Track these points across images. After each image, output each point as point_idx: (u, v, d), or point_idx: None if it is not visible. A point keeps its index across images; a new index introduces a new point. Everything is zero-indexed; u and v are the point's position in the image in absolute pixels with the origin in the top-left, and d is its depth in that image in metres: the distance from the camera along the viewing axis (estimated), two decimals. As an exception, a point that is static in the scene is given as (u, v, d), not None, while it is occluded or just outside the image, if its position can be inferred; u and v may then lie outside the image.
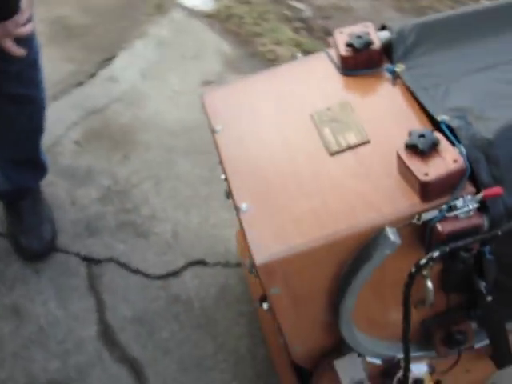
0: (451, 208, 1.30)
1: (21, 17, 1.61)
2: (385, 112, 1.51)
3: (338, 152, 1.43)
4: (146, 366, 1.95)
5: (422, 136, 1.32)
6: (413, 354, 1.59)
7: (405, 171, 1.33)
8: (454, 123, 1.37)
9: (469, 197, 1.30)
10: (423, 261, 1.31)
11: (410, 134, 1.33)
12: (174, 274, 2.14)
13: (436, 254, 1.30)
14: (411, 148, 1.31)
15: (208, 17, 3.29)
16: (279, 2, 3.53)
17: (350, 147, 1.43)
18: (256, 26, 3.26)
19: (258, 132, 1.55)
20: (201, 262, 2.18)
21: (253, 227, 1.34)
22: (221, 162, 1.54)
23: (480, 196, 1.30)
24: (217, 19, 3.28)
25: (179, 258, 2.18)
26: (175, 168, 2.47)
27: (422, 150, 1.30)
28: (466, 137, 1.34)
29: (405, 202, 1.31)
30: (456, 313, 1.55)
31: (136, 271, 2.13)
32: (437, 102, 1.45)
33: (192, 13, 3.30)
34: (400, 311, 1.50)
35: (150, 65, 2.94)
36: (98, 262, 2.15)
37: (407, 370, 1.49)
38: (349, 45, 1.57)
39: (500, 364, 1.65)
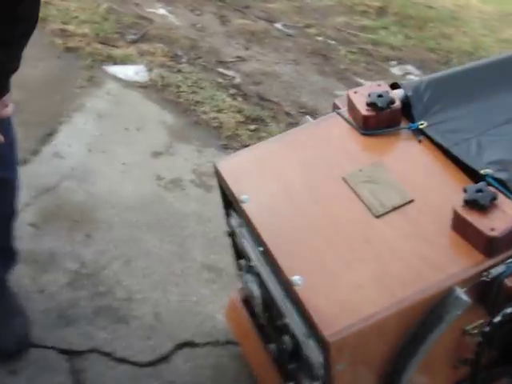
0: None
1: (8, 97, 1.49)
2: (419, 169, 1.49)
3: (383, 214, 1.39)
4: None
5: (479, 191, 1.30)
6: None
7: (464, 228, 1.30)
8: (503, 176, 1.37)
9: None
10: (498, 318, 1.29)
11: (465, 189, 1.31)
12: (164, 358, 1.97)
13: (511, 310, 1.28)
14: (470, 204, 1.29)
15: (144, 87, 3.20)
16: (209, 70, 3.51)
17: (395, 208, 1.39)
18: (194, 94, 3.21)
19: (290, 199, 1.47)
20: (189, 344, 2.03)
21: (313, 301, 1.25)
22: (255, 233, 1.45)
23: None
24: (153, 89, 3.19)
25: (166, 341, 2.02)
26: (143, 245, 2.32)
27: (483, 204, 1.28)
28: None
29: (469, 260, 1.28)
30: (493, 370, 1.53)
31: (122, 360, 1.94)
32: (473, 157, 1.45)
33: (127, 84, 3.20)
34: (440, 372, 1.46)
35: (93, 138, 2.79)
36: (79, 353, 1.93)
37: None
38: (370, 104, 1.55)
39: None
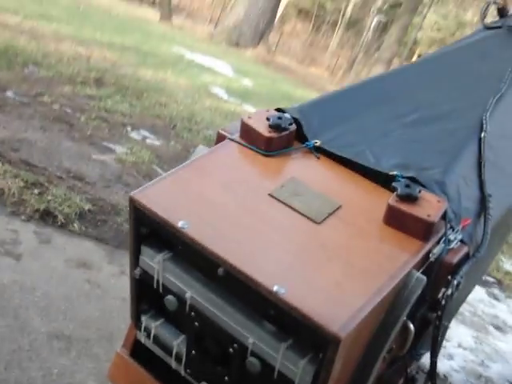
0: (448, 242, 1.46)
1: None
2: (331, 181, 1.60)
3: (323, 220, 1.45)
4: None
5: (407, 186, 1.46)
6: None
7: (401, 219, 1.43)
8: (410, 174, 1.53)
9: (454, 229, 1.49)
10: (449, 291, 1.44)
11: (395, 187, 1.45)
12: None
13: (456, 281, 1.45)
14: (404, 197, 1.44)
15: None
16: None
17: (330, 214, 1.47)
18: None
19: (229, 219, 1.43)
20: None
21: (305, 303, 1.25)
22: (209, 256, 1.35)
23: (460, 227, 1.50)
24: None
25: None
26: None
27: (415, 196, 1.44)
28: (429, 182, 1.53)
29: (414, 246, 1.42)
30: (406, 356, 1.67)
31: None
32: (375, 164, 1.60)
33: None
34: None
35: None
36: None
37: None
38: (273, 126, 1.59)
39: None
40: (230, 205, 1.46)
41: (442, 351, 2.88)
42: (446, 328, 1.62)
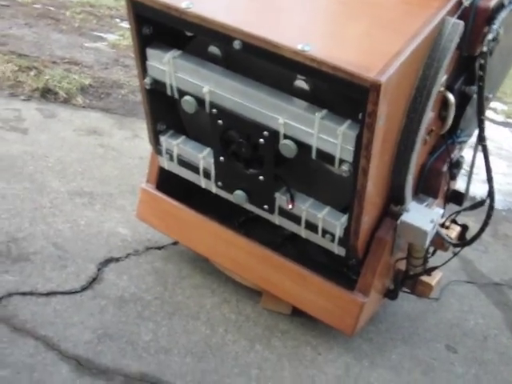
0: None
1: None
2: None
3: None
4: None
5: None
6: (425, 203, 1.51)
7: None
8: None
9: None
10: (490, 36, 1.28)
11: None
12: (95, 279, 1.55)
13: (496, 27, 1.28)
14: None
15: None
16: None
17: None
18: None
19: None
20: (111, 260, 1.64)
21: (334, 57, 1.11)
22: (221, 32, 1.20)
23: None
24: None
25: (85, 264, 1.59)
26: (-10, 189, 1.80)
27: None
28: None
29: None
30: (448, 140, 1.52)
31: (51, 293, 1.47)
32: None
33: None
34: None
35: None
36: (-5, 303, 1.41)
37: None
38: None
39: None
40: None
41: (476, 177, 2.74)
42: (488, 101, 1.46)
